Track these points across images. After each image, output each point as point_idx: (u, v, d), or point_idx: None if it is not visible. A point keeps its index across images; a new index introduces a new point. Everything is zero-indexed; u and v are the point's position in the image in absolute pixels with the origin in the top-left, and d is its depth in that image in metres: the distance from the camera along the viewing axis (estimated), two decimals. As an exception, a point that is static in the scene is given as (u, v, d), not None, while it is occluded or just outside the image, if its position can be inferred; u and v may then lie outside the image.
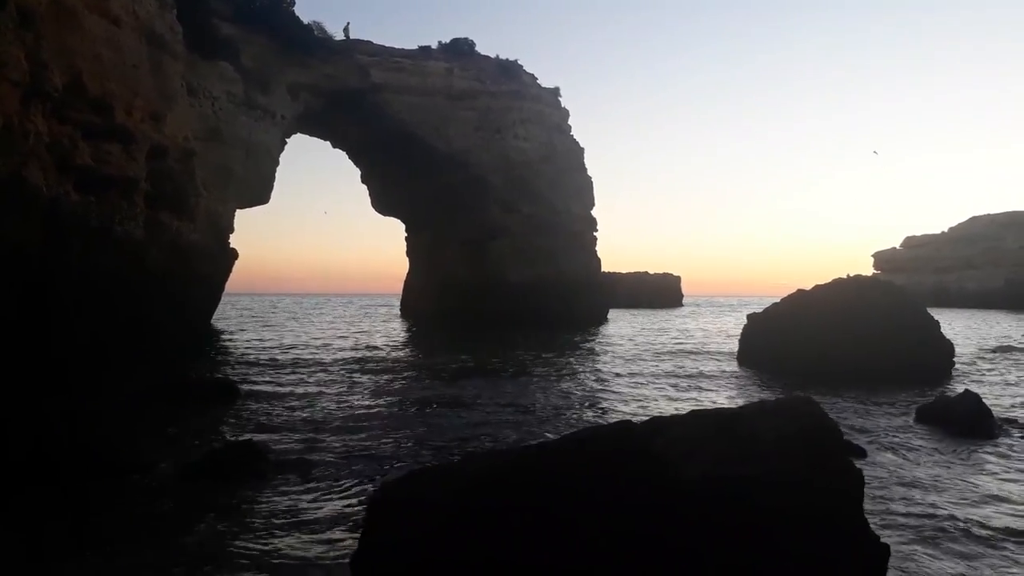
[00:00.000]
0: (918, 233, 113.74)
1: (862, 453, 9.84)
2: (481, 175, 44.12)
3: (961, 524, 6.96)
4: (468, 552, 4.10)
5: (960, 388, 15.02)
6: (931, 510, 7.38)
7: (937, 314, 20.83)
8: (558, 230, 45.66)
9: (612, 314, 52.37)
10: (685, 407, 13.50)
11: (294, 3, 37.77)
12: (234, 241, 32.99)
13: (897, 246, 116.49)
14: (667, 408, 13.63)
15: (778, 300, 21.34)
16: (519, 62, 47.35)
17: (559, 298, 43.22)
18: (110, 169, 19.48)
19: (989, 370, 20.58)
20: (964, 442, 10.76)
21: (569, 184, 46.82)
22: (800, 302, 20.30)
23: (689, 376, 18.50)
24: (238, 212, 34.36)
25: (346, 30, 42.05)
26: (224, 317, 45.28)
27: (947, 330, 20.80)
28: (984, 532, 6.78)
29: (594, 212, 49.14)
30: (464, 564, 4.10)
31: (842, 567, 4.28)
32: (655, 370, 19.82)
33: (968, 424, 11.61)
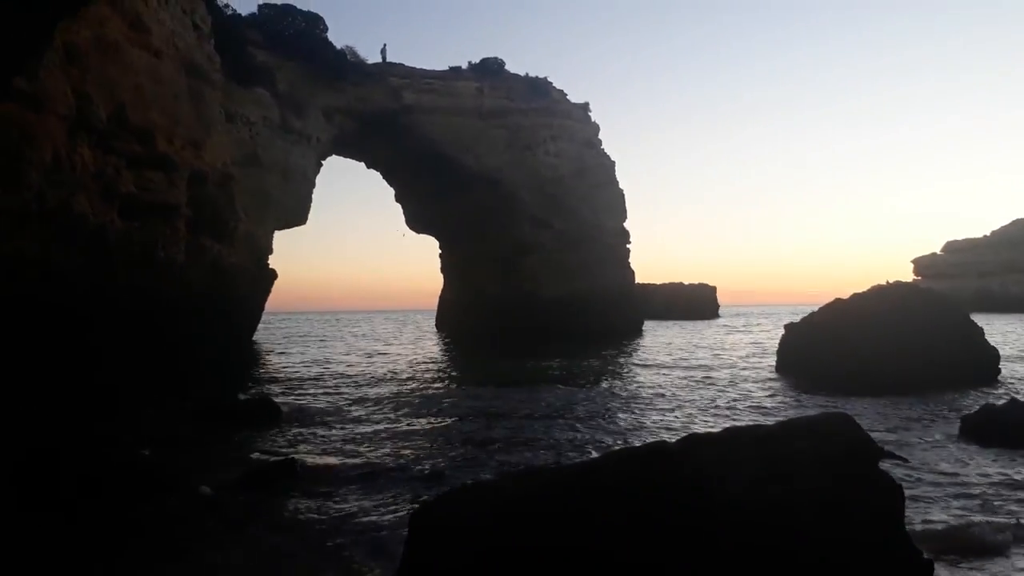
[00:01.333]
0: (959, 237, 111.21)
1: (903, 460, 9.64)
2: (512, 192, 44.45)
3: (1010, 539, 6.76)
4: (508, 573, 4.15)
5: (1006, 396, 14.68)
6: (976, 523, 7.17)
7: (980, 319, 20.37)
8: (590, 244, 45.70)
9: (647, 326, 51.99)
10: (722, 422, 13.40)
11: (327, 29, 38.63)
12: (273, 261, 33.74)
13: (938, 251, 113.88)
14: (703, 423, 13.49)
15: (815, 309, 21.09)
16: (548, 79, 47.67)
17: (593, 312, 43.16)
18: (152, 196, 20.13)
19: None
20: (1011, 453, 10.43)
21: (600, 198, 46.88)
22: (839, 311, 20.03)
23: (726, 389, 18.31)
24: (277, 233, 35.11)
25: (383, 51, 42.93)
26: (265, 336, 46.08)
27: (991, 336, 20.29)
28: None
29: (627, 224, 49.10)
30: None
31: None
32: (691, 383, 19.66)
33: (1014, 434, 11.25)
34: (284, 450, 11.14)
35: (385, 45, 43.88)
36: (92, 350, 16.85)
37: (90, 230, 17.54)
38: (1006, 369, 19.94)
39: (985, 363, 18.82)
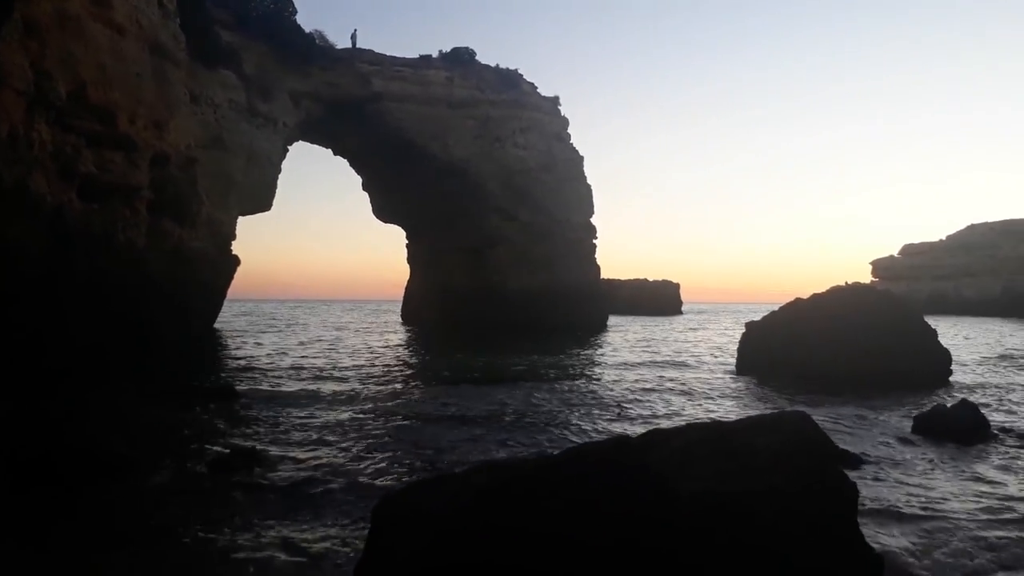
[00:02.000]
0: (916, 241, 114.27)
1: (857, 462, 9.82)
2: (481, 183, 44.42)
3: (957, 533, 7.00)
4: (469, 565, 4.18)
5: (957, 397, 15.10)
6: (926, 520, 7.41)
7: (934, 321, 20.90)
8: (557, 238, 46.00)
9: (612, 321, 52.44)
10: (684, 418, 13.54)
11: (296, 12, 38.08)
12: (236, 247, 33.23)
13: (895, 254, 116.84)
14: (665, 419, 13.63)
15: (776, 308, 21.47)
16: (519, 71, 47.76)
17: (558, 305, 43.50)
18: (113, 177, 19.68)
19: (986, 379, 20.65)
20: (961, 451, 10.78)
21: (568, 192, 47.17)
22: (798, 310, 20.43)
23: (688, 386, 18.58)
24: (240, 218, 34.58)
25: (353, 37, 42.49)
26: (226, 322, 45.40)
27: (944, 338, 20.86)
28: (981, 540, 6.81)
29: (594, 220, 49.52)
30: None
31: (839, 581, 4.34)
32: (653, 378, 19.89)
33: (965, 433, 11.63)
34: (241, 436, 11.05)
35: (356, 30, 43.42)
36: (46, 333, 16.46)
37: (48, 210, 17.09)
38: (958, 371, 20.54)
39: (938, 365, 19.34)
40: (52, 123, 17.34)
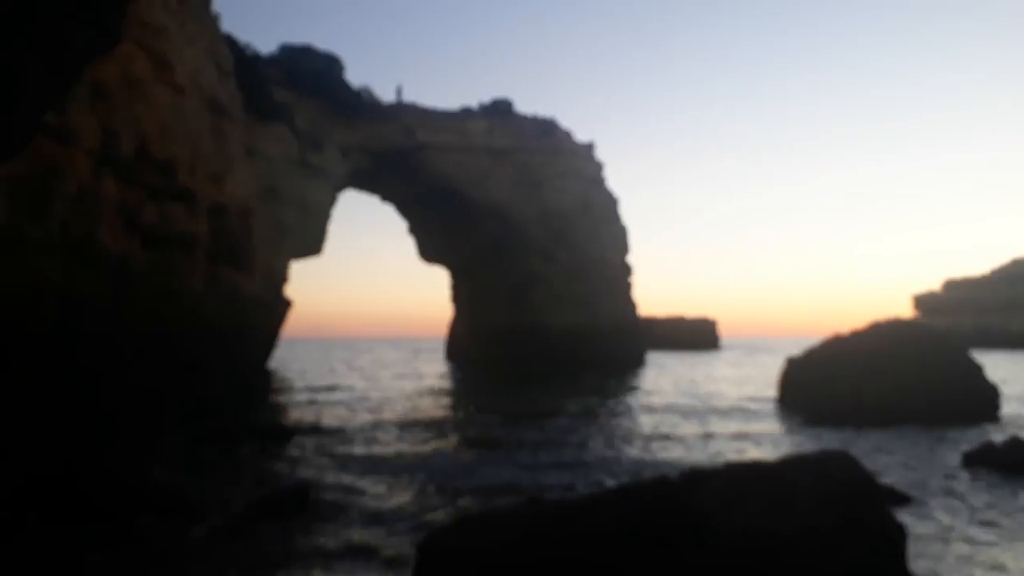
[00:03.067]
0: (958, 275, 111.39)
1: (906, 500, 9.57)
2: (521, 226, 45.74)
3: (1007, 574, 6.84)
4: None
5: (1008, 432, 14.78)
6: (980, 560, 7.27)
7: (980, 357, 20.52)
8: (594, 277, 47.02)
9: (650, 357, 52.66)
10: (724, 456, 13.39)
11: (343, 69, 39.84)
12: (289, 290, 34.48)
13: (937, 288, 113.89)
14: (704, 456, 13.59)
15: (815, 342, 21.37)
16: (555, 119, 49.17)
17: (597, 342, 44.38)
18: (173, 227, 20.79)
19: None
20: (1013, 489, 10.49)
21: (605, 233, 48.28)
22: (839, 345, 20.34)
23: (727, 422, 18.52)
24: (293, 263, 35.94)
25: (399, 91, 44.36)
26: (279, 362, 46.60)
27: (991, 372, 20.43)
28: None
29: (629, 258, 50.36)
30: None
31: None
32: (692, 415, 19.86)
33: (1017, 468, 11.42)
34: (296, 475, 11.35)
35: (400, 85, 45.73)
36: (107, 378, 17.35)
37: (113, 260, 18.17)
38: (1008, 406, 20.04)
39: (985, 400, 18.96)
40: (117, 178, 18.50)
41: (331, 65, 39.11)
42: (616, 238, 49.53)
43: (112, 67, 18.19)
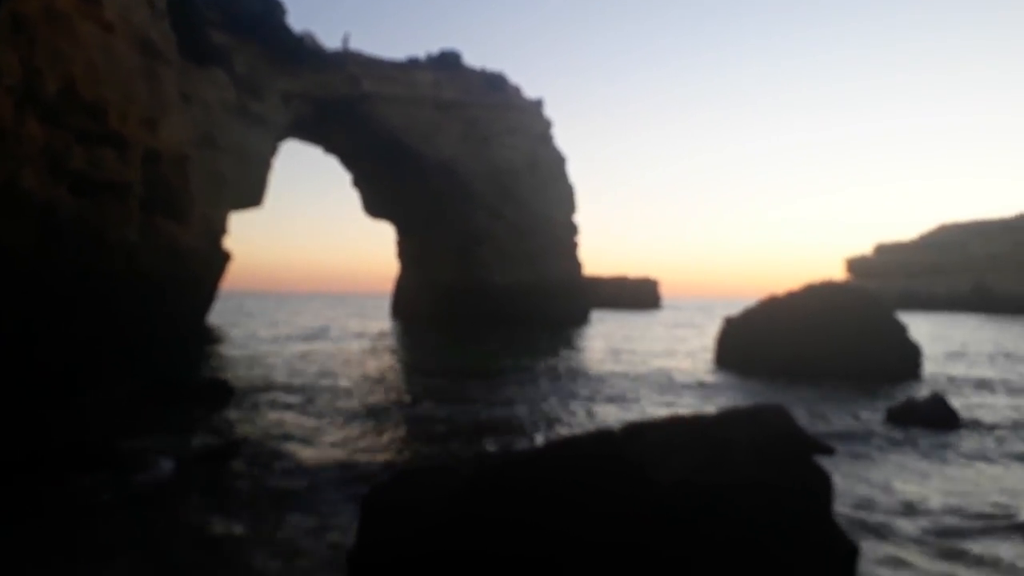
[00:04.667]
0: (889, 240, 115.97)
1: (831, 452, 10.09)
2: (468, 182, 45.25)
3: (931, 520, 7.14)
4: (455, 553, 4.35)
5: (928, 390, 15.44)
6: (900, 507, 7.58)
7: (905, 317, 21.35)
8: (541, 235, 47.07)
9: (594, 315, 53.48)
10: (664, 411, 13.71)
11: (286, 13, 38.39)
12: (228, 242, 33.56)
13: (868, 252, 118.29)
14: (645, 412, 13.90)
15: (752, 303, 21.94)
16: (504, 74, 48.42)
17: (542, 300, 44.73)
18: (104, 174, 19.92)
19: (955, 372, 21.14)
20: (932, 440, 11.08)
21: (552, 191, 48.22)
22: (774, 306, 20.92)
23: (666, 377, 18.99)
24: (232, 214, 34.91)
25: (345, 40, 42.89)
26: (218, 316, 45.58)
27: (915, 332, 21.34)
28: (953, 527, 6.96)
29: (576, 218, 50.50)
30: (452, 565, 4.35)
31: (813, 569, 4.47)
32: (633, 372, 20.27)
33: (935, 423, 12.04)
34: (235, 429, 11.25)
35: (348, 33, 44.28)
36: (38, 330, 16.74)
37: (38, 206, 17.36)
38: (929, 366, 21.01)
39: (909, 360, 19.84)
40: (42, 120, 17.59)
41: (272, 8, 37.57)
42: (563, 197, 49.58)
43: (34, 0, 17.14)
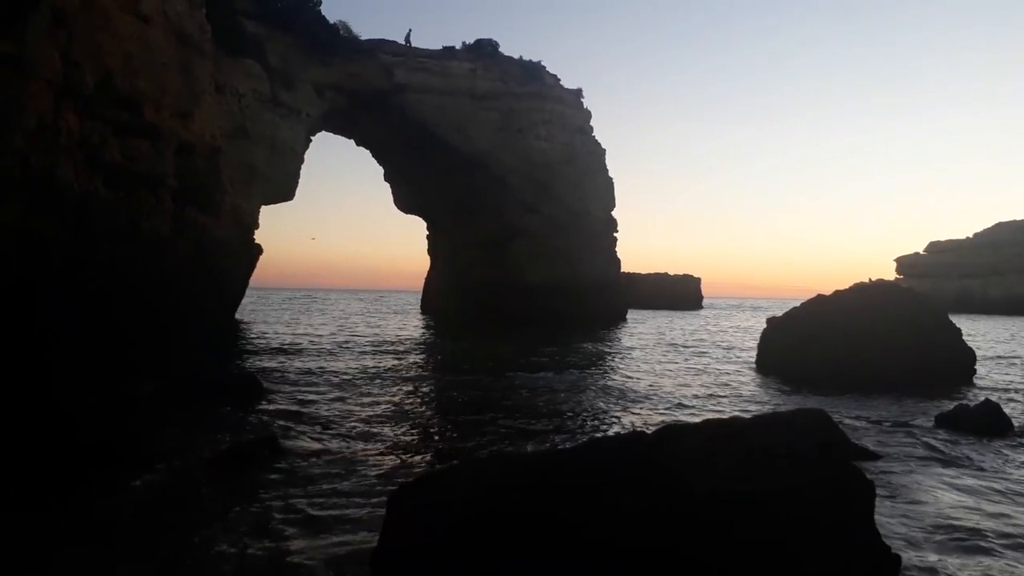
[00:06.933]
0: (942, 238, 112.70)
1: (876, 459, 9.70)
2: (502, 175, 44.38)
3: (977, 534, 6.90)
4: (482, 555, 4.23)
5: (980, 395, 14.93)
6: (945, 518, 7.33)
7: (959, 320, 20.59)
8: (577, 231, 45.90)
9: (631, 315, 52.36)
10: (701, 413, 13.52)
11: (320, 3, 38.20)
12: (259, 236, 33.52)
13: (921, 251, 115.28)
14: (681, 413, 13.63)
15: (798, 303, 21.27)
16: (542, 63, 47.52)
17: (577, 298, 43.50)
18: (138, 166, 19.89)
19: (1011, 378, 20.33)
20: (982, 449, 10.68)
21: (589, 186, 46.97)
22: (820, 307, 20.19)
23: (706, 381, 18.49)
24: (264, 208, 34.86)
25: (407, 37, 42.44)
26: (249, 311, 45.86)
27: (968, 337, 20.56)
28: (999, 542, 6.73)
29: (615, 213, 49.30)
30: (478, 567, 4.22)
31: (852, 580, 4.30)
32: (671, 372, 19.85)
33: (987, 431, 11.58)
34: (263, 425, 11.13)
35: (409, 30, 43.13)
36: (70, 321, 16.70)
37: (74, 198, 17.32)
38: (982, 369, 20.27)
39: (962, 364, 19.09)
40: (79, 112, 17.55)
41: (306, -2, 37.41)
42: (601, 191, 48.18)
43: (72, -8, 17.04)
